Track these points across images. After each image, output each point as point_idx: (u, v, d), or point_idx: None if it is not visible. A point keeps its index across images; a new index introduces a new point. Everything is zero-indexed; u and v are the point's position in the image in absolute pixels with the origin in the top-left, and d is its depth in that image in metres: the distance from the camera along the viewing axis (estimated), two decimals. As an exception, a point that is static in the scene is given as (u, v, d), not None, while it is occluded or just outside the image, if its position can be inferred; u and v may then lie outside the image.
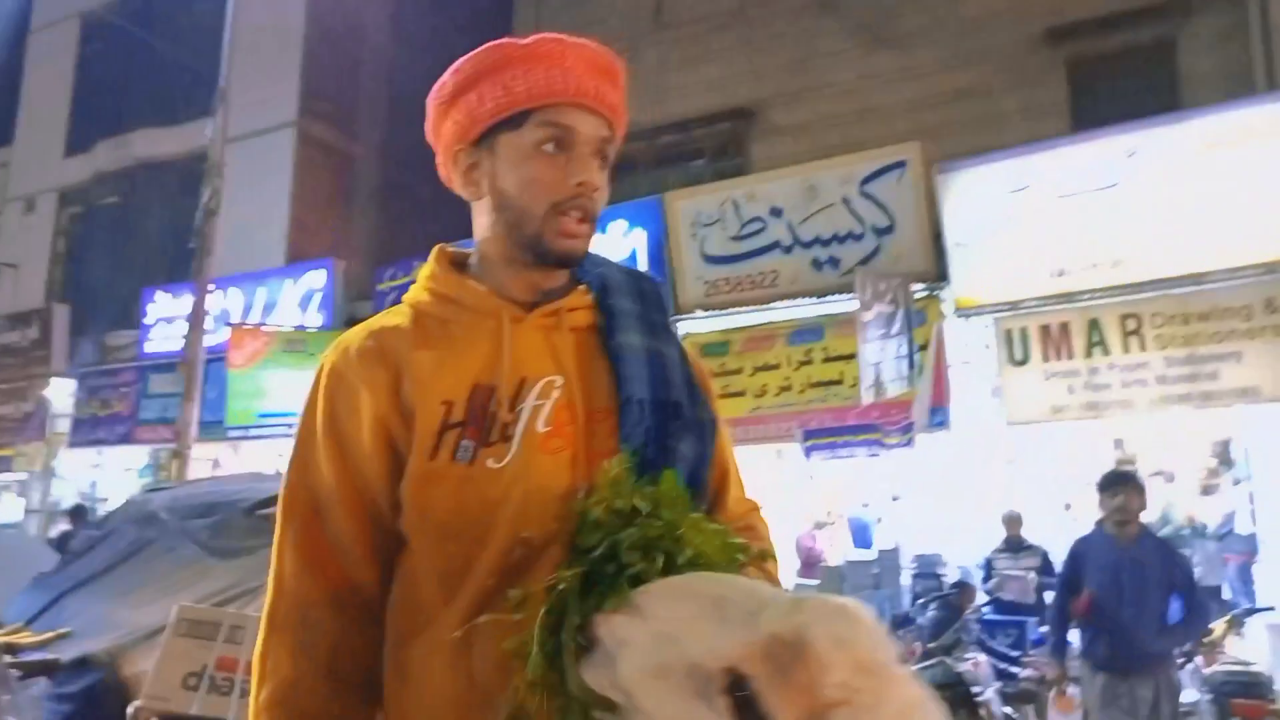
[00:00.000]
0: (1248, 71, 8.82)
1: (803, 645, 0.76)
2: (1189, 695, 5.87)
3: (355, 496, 1.14)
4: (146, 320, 12.73)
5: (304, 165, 12.64)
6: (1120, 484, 4.57)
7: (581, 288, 1.26)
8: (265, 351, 10.52)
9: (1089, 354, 7.77)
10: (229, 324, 11.19)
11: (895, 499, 10.02)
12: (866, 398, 7.54)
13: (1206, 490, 9.70)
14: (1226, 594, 8.79)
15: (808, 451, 8.48)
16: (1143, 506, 4.55)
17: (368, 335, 1.19)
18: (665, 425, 1.18)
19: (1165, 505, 9.61)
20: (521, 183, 1.16)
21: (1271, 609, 6.65)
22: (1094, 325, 7.77)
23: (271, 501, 4.20)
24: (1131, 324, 7.64)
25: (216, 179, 9.02)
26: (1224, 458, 10.01)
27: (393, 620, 1.14)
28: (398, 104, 13.34)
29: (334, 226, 12.78)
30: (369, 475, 1.13)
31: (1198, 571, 9.13)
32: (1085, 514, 10.57)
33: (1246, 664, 5.30)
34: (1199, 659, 5.56)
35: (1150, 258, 7.43)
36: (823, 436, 8.51)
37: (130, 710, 2.54)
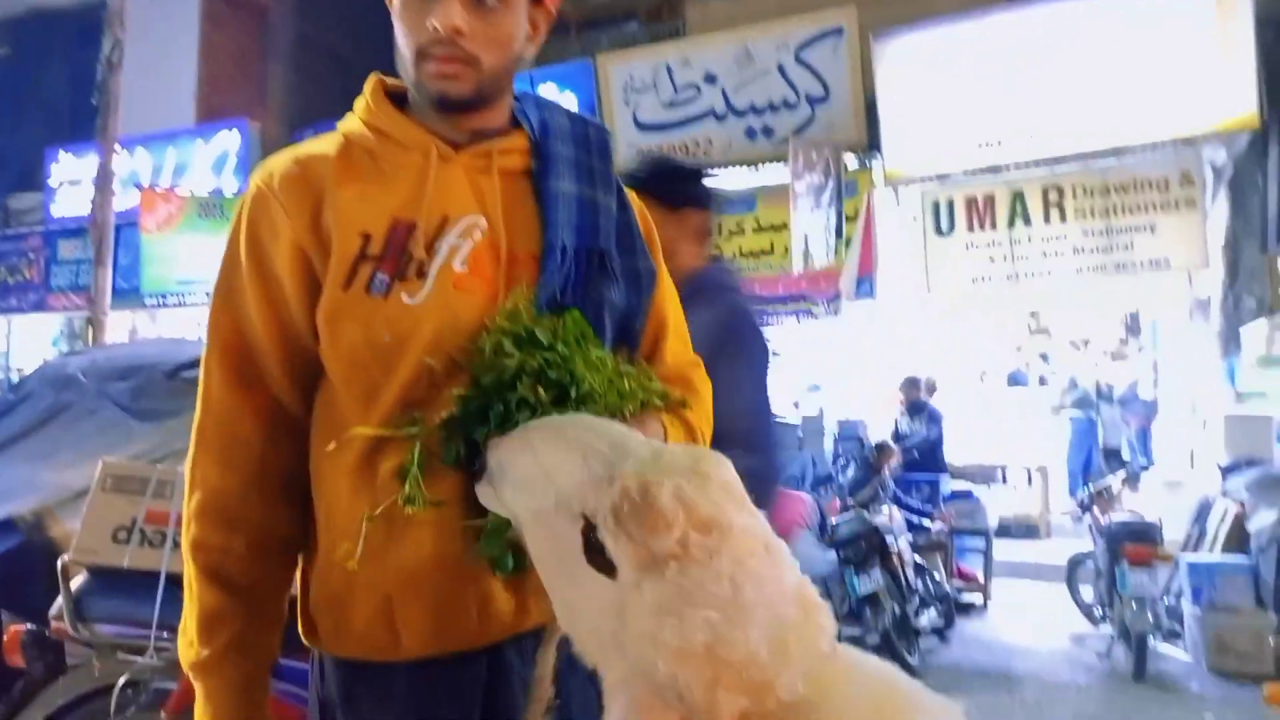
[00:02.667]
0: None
1: (647, 500, 0.80)
2: (1085, 544, 6.32)
3: (276, 320, 1.13)
4: (51, 182, 12.06)
5: (212, 17, 11.83)
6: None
7: (520, 131, 1.23)
8: (180, 216, 10.10)
9: (1011, 225, 7.94)
10: (139, 186, 10.68)
11: (822, 372, 10.30)
12: (797, 267, 7.62)
13: (1115, 357, 10.18)
14: (1126, 454, 9.37)
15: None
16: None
17: (293, 161, 1.17)
18: (589, 273, 1.18)
19: (1074, 371, 10.08)
20: (397, 27, 1.14)
21: (1165, 464, 7.12)
22: (1017, 197, 7.91)
23: (194, 364, 4.13)
24: (1053, 196, 7.80)
25: (118, 29, 8.42)
26: (1132, 327, 10.48)
27: (313, 444, 1.16)
28: (312, -47, 12.50)
29: (247, 84, 12.09)
30: (288, 300, 1.13)
31: (1102, 434, 9.73)
32: (998, 382, 11.09)
33: (1138, 514, 5.69)
34: (1096, 511, 5.97)
35: (1075, 130, 7.53)
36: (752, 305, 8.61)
37: (60, 563, 2.53)
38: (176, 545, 2.60)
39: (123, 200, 9.61)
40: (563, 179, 1.21)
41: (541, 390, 1.02)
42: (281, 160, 1.18)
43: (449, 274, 1.11)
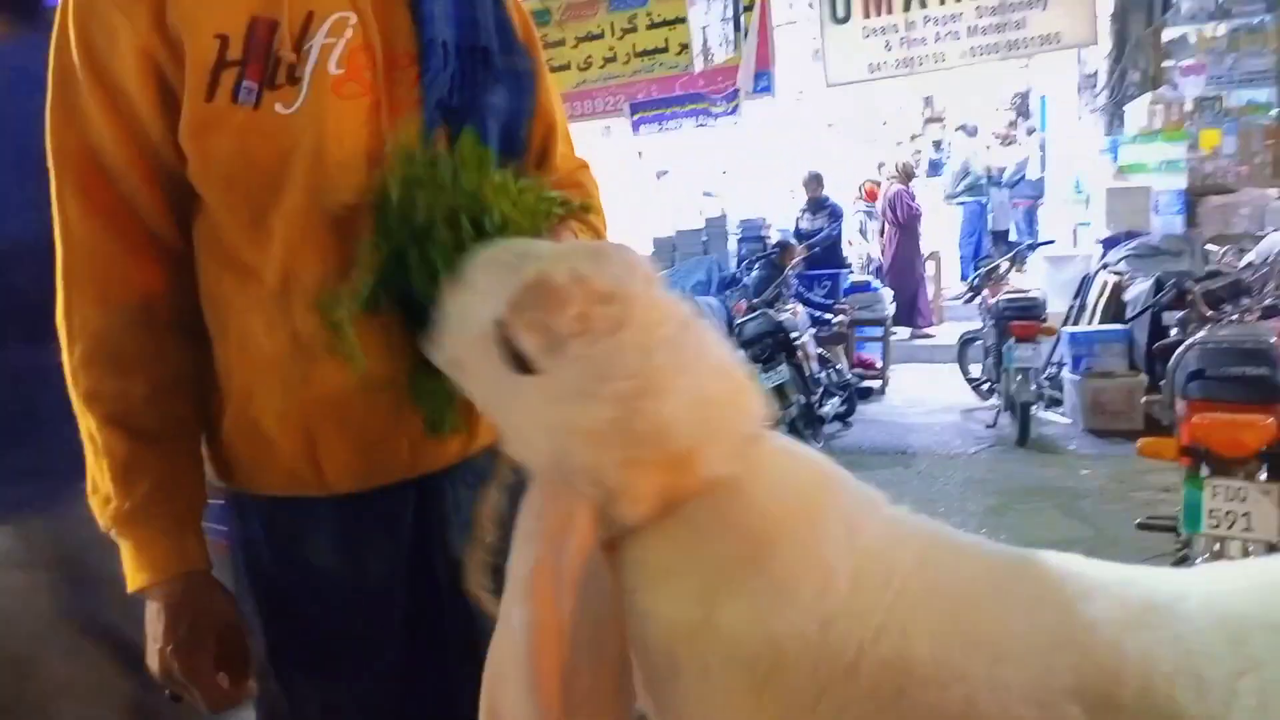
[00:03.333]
0: None
1: (542, 284, 0.79)
2: (975, 324, 6.63)
3: (130, 137, 1.00)
4: None
5: None
6: None
7: None
8: None
9: (906, 8, 7.77)
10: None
11: (724, 172, 10.22)
12: (697, 65, 7.37)
13: (1005, 141, 10.33)
14: (1014, 235, 9.71)
15: (635, 125, 8.39)
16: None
17: None
18: (473, 73, 1.08)
19: (966, 157, 10.23)
20: None
21: (1051, 242, 7.41)
22: (912, -21, 7.70)
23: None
24: (948, -23, 7.61)
25: None
26: (1021, 109, 10.60)
27: (202, 275, 1.07)
28: None
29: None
30: (141, 115, 0.99)
31: (991, 218, 10.02)
32: (893, 171, 11.21)
33: (1024, 291, 5.95)
34: (985, 292, 6.22)
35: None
36: (650, 109, 8.39)
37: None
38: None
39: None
40: None
41: (457, 229, 0.96)
42: None
43: (325, 77, 0.99)
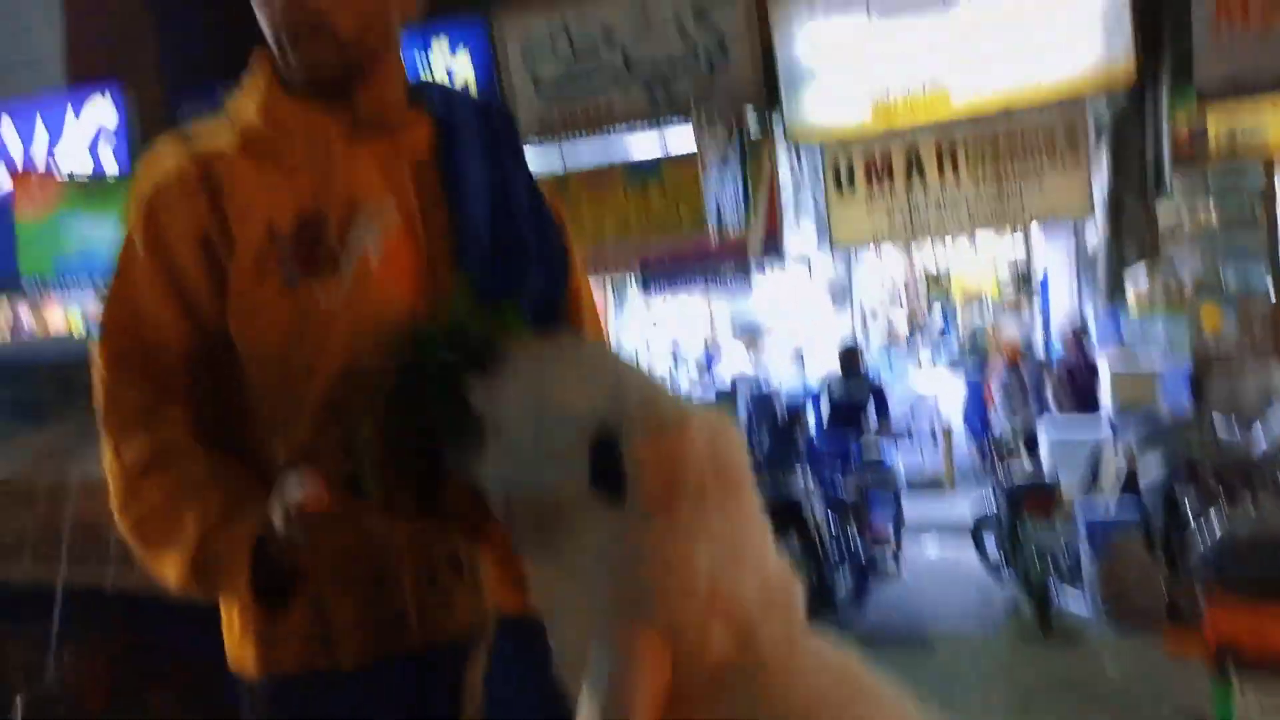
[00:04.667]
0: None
1: (682, 428, 0.78)
2: (990, 507, 6.54)
3: (186, 316, 1.07)
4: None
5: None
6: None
7: (424, 113, 1.17)
8: (58, 200, 9.53)
9: (909, 181, 8.13)
10: (12, 169, 10.02)
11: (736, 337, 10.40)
12: (712, 234, 7.64)
13: (1007, 310, 10.55)
14: (1020, 407, 9.75)
15: (648, 289, 8.60)
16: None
17: (188, 151, 1.10)
18: (506, 259, 1.14)
19: (973, 329, 10.43)
20: (257, 13, 1.09)
21: (1059, 415, 7.43)
22: (914, 154, 8.09)
23: (82, 365, 3.93)
24: (948, 152, 8.01)
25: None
26: (1023, 280, 10.88)
27: (239, 446, 1.10)
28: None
29: (120, 42, 11.34)
30: (197, 293, 1.06)
31: (998, 387, 10.05)
32: (902, 336, 11.40)
33: (1038, 468, 5.92)
34: (996, 468, 6.19)
35: (968, 90, 7.73)
36: (661, 274, 8.63)
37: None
38: (72, 559, 2.48)
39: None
40: (472, 163, 1.16)
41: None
42: (174, 150, 1.11)
43: (365, 265, 1.06)
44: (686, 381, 10.03)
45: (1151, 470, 5.43)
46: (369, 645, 1.06)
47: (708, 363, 10.31)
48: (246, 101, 1.13)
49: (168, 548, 1.02)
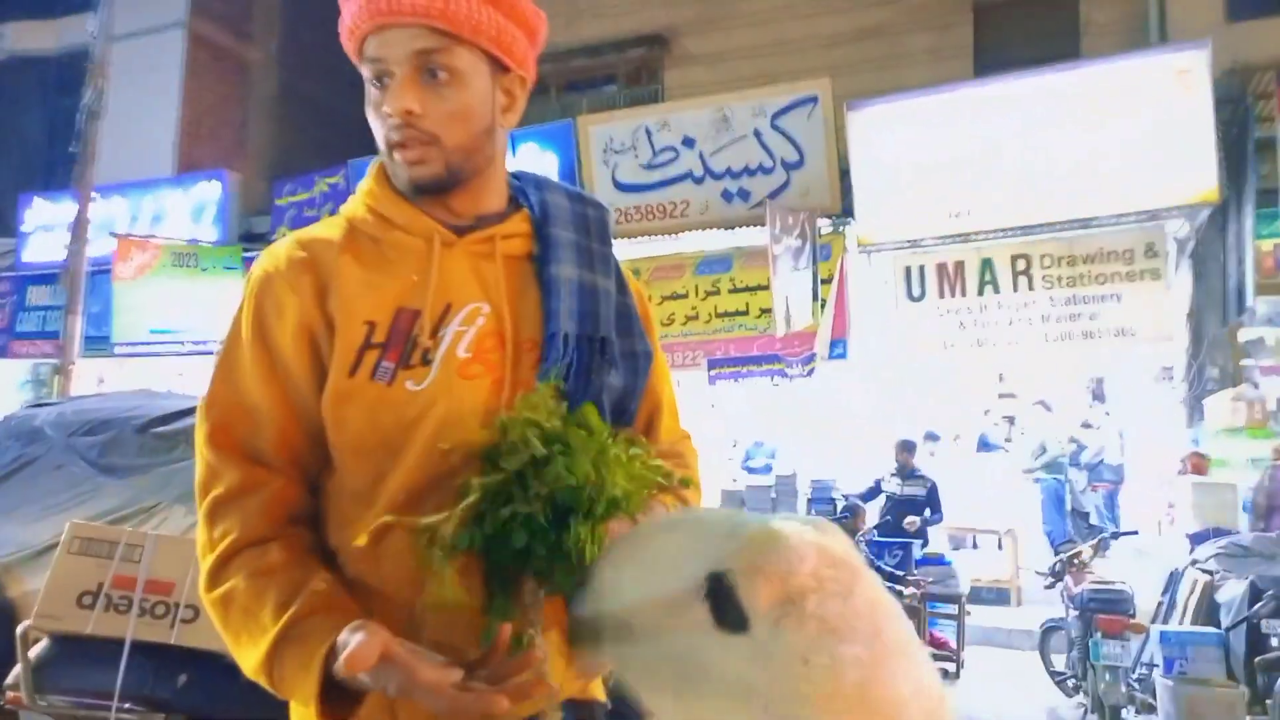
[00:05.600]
0: (1142, 24, 9.12)
1: (777, 538, 0.79)
2: (1056, 609, 6.32)
3: (284, 400, 1.13)
4: (24, 228, 11.96)
5: (194, 68, 11.91)
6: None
7: (521, 213, 1.24)
8: (154, 264, 10.02)
9: (981, 292, 8.09)
10: (115, 234, 10.62)
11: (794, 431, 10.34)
12: (779, 330, 7.69)
13: (1082, 423, 10.29)
14: (1094, 519, 9.43)
15: (712, 379, 8.64)
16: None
17: (299, 244, 1.18)
18: (589, 360, 1.20)
19: (1043, 435, 10.18)
20: (369, 120, 1.17)
21: (1135, 533, 7.17)
22: (986, 265, 8.07)
23: (165, 420, 4.08)
24: (1021, 264, 7.97)
25: (100, 79, 8.46)
26: (1098, 394, 10.63)
27: (325, 531, 1.16)
28: (295, 5, 12.65)
29: (227, 135, 12.14)
30: (297, 381, 1.13)
31: (1069, 499, 9.78)
32: (969, 444, 11.18)
33: (1110, 583, 5.70)
34: (1068, 579, 5.98)
35: (1042, 201, 7.72)
36: (726, 366, 8.69)
37: (20, 630, 2.46)
38: (143, 612, 2.55)
39: (97, 247, 9.55)
40: (564, 264, 1.22)
41: (564, 478, 1.01)
42: (287, 244, 1.18)
43: (453, 360, 1.12)
44: (744, 474, 9.95)
45: (1232, 592, 5.19)
46: None
47: (767, 456, 10.26)
48: (358, 200, 1.22)
49: (244, 639, 1.06)
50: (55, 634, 2.52)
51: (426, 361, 1.11)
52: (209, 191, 11.03)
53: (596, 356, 1.21)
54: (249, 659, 1.05)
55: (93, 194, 8.67)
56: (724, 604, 0.79)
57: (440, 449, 1.08)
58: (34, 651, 2.49)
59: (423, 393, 1.10)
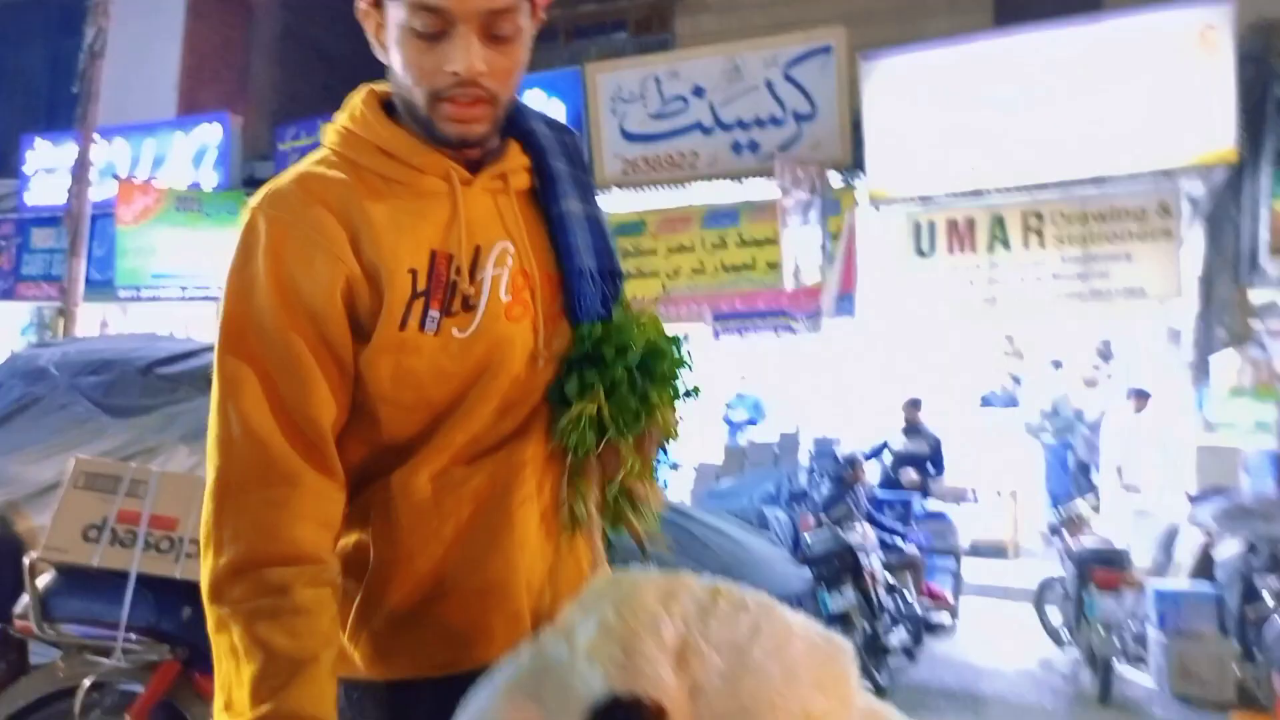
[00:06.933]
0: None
1: (621, 623, 0.76)
2: (1054, 566, 6.38)
3: (326, 355, 1.05)
4: (26, 169, 11.89)
5: (196, 9, 11.72)
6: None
7: (512, 145, 1.22)
8: (157, 209, 9.98)
9: (991, 249, 8.02)
10: (117, 177, 10.54)
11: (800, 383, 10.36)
12: (788, 284, 7.65)
13: (1088, 383, 10.27)
14: (1095, 479, 9.46)
15: (716, 332, 8.62)
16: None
17: (307, 189, 1.08)
18: (612, 292, 1.23)
19: (1058, 397, 10.17)
20: (401, 64, 1.08)
21: (1136, 489, 7.20)
22: (998, 222, 8.00)
23: (169, 361, 4.09)
24: (1033, 222, 7.89)
25: (101, 18, 8.33)
26: (1105, 353, 10.60)
27: (362, 476, 1.12)
28: (301, -53, 12.41)
29: (230, 78, 11.98)
30: (335, 337, 1.06)
31: (1075, 459, 9.79)
32: (972, 403, 11.19)
33: (1107, 540, 5.74)
34: (1066, 535, 6.02)
35: (1056, 159, 7.62)
36: (732, 319, 8.66)
37: (27, 561, 2.49)
38: (148, 545, 2.57)
39: (99, 190, 9.50)
40: (569, 199, 1.22)
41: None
42: (294, 188, 1.08)
43: (498, 305, 1.12)
44: (751, 430, 9.98)
45: (1229, 551, 5.22)
46: (495, 649, 1.05)
47: (750, 409, 10.30)
48: (360, 140, 1.13)
49: (231, 680, 0.99)
50: (62, 566, 2.54)
51: (469, 307, 1.09)
52: (211, 134, 10.92)
53: (615, 287, 1.24)
54: (226, 698, 0.99)
55: (95, 135, 8.59)
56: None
57: (496, 403, 1.11)
58: (41, 582, 2.51)
59: (472, 340, 1.09)
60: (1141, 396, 7.58)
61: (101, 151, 9.95)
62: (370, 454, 1.10)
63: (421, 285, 1.07)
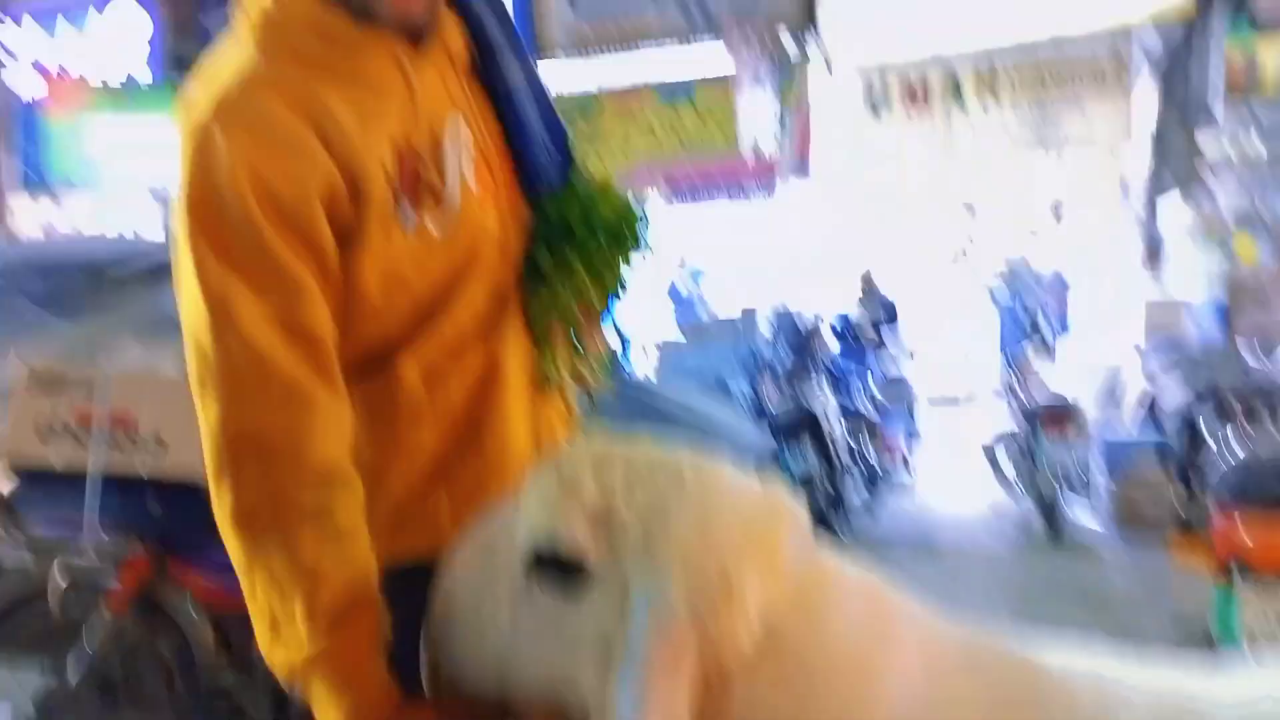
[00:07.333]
0: None
1: (549, 483, 0.81)
2: (1009, 423, 6.58)
3: (316, 268, 0.99)
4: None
5: None
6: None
7: (451, 17, 1.15)
8: (86, 102, 9.54)
9: (946, 109, 7.95)
10: (44, 72, 10.01)
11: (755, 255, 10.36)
12: (746, 153, 7.55)
13: (1041, 239, 10.39)
14: (1044, 330, 9.68)
15: (669, 200, 8.56)
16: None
17: (262, 91, 0.99)
18: (565, 159, 1.21)
19: (1012, 256, 10.28)
20: None
21: (1083, 342, 7.38)
22: (952, 81, 7.90)
23: (116, 261, 3.98)
24: (988, 80, 7.81)
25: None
26: (1057, 213, 10.68)
27: (351, 385, 1.07)
28: None
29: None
30: (322, 246, 0.99)
31: (1027, 314, 9.98)
32: (935, 262, 11.30)
33: (1059, 392, 5.92)
34: (1019, 389, 6.20)
35: (1012, 17, 7.48)
36: (685, 187, 8.59)
37: (-13, 466, 2.48)
38: (110, 445, 2.55)
39: (26, 84, 9.09)
40: (511, 70, 1.17)
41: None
42: (249, 92, 0.99)
43: (469, 194, 1.08)
44: (708, 299, 10.01)
45: (1175, 394, 5.41)
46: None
47: (691, 279, 10.32)
48: (294, 24, 1.03)
49: (276, 616, 0.95)
50: (22, 469, 2.54)
51: (438, 199, 1.05)
52: (136, 18, 10.33)
53: (565, 153, 1.22)
54: (271, 638, 0.96)
55: (15, 20, 8.10)
56: (556, 571, 0.78)
57: (482, 275, 1.09)
58: (5, 488, 2.51)
59: (453, 236, 1.06)
60: None
61: (26, 38, 9.44)
62: (355, 356, 1.06)
63: (394, 180, 1.02)
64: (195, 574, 2.51)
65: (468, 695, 0.87)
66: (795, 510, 0.80)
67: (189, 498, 2.39)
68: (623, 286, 1.22)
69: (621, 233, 1.19)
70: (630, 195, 1.23)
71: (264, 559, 0.94)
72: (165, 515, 2.53)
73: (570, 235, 1.14)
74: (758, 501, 0.79)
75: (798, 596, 0.75)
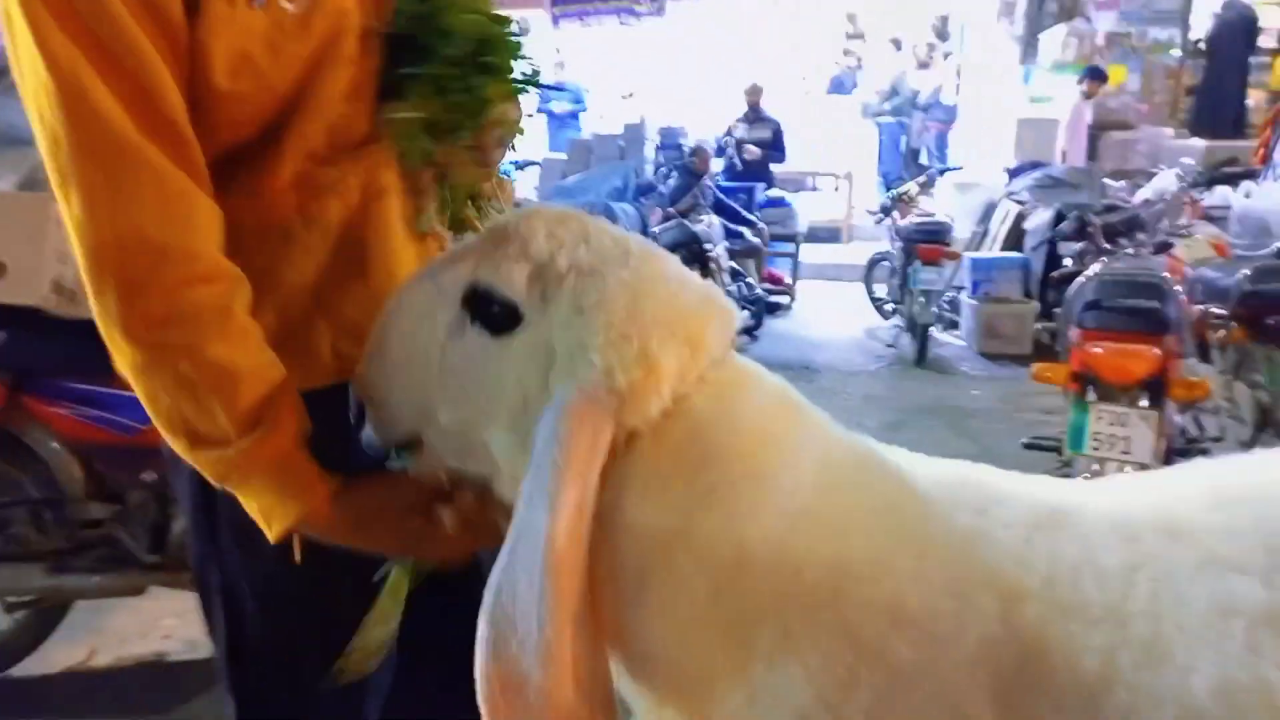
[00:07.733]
0: None
1: (502, 228, 0.82)
2: (884, 246, 6.77)
3: (163, 42, 0.86)
4: None
5: None
6: None
7: None
8: None
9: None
10: None
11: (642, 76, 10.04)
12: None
13: (922, 64, 10.40)
14: (925, 159, 9.87)
15: (555, 19, 8.13)
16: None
17: None
18: None
19: (896, 77, 10.27)
20: None
21: (959, 168, 7.56)
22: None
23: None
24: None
25: None
26: (941, 32, 10.68)
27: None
28: None
29: None
30: (172, 18, 0.86)
31: (908, 139, 10.15)
32: (819, 85, 11.22)
33: (932, 215, 6.09)
34: (896, 215, 6.34)
35: None
36: (572, 4, 8.13)
37: None
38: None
39: None
40: None
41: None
42: None
43: None
44: (595, 119, 9.75)
45: (1039, 220, 5.65)
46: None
47: (571, 100, 10.04)
48: None
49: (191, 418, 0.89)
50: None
51: None
52: None
53: None
54: (188, 444, 0.90)
55: None
56: (489, 310, 0.80)
57: (346, 65, 0.96)
58: None
59: (308, 13, 0.92)
60: (1095, 78, 7.27)
61: None
62: (212, 161, 0.93)
63: None
64: (53, 406, 2.38)
65: (386, 441, 0.90)
66: (727, 308, 0.82)
67: (36, 325, 2.24)
68: (488, 113, 1.05)
69: (487, 56, 1.05)
70: (498, 13, 1.09)
71: (168, 364, 0.88)
72: (16, 344, 2.36)
73: (423, 52, 1.01)
74: (694, 290, 0.81)
75: (713, 385, 0.77)
